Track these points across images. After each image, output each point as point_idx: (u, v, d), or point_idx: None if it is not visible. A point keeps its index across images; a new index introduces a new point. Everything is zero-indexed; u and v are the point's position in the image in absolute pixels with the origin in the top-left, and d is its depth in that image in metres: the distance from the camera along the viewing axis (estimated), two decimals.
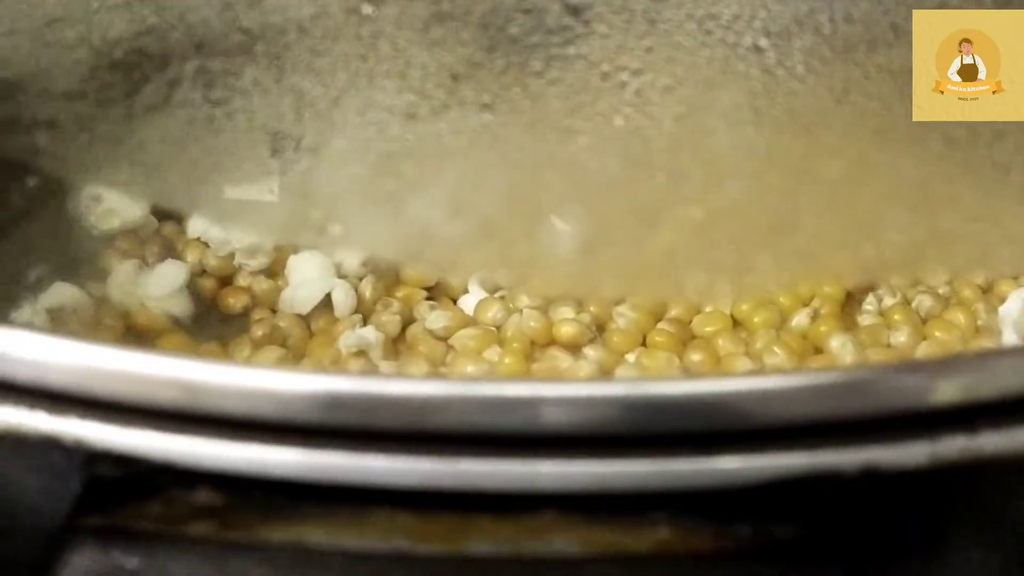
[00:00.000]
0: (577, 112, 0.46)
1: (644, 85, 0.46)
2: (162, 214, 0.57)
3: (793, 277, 0.54)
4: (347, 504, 0.37)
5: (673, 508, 0.37)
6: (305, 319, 0.55)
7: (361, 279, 0.56)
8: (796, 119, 0.47)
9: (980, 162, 0.50)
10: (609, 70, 0.47)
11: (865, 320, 0.55)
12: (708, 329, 0.54)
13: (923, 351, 0.53)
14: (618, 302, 0.54)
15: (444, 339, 0.55)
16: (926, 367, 0.38)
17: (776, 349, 0.53)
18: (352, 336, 0.53)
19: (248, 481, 0.38)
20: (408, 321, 0.56)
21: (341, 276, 0.56)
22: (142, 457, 0.38)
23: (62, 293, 0.53)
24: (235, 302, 0.56)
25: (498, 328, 0.55)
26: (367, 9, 0.48)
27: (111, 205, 0.55)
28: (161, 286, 0.54)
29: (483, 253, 0.47)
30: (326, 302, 0.55)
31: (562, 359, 0.54)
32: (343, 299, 0.55)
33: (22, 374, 0.39)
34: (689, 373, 0.52)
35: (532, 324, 0.54)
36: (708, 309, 0.55)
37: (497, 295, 0.55)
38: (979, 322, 0.54)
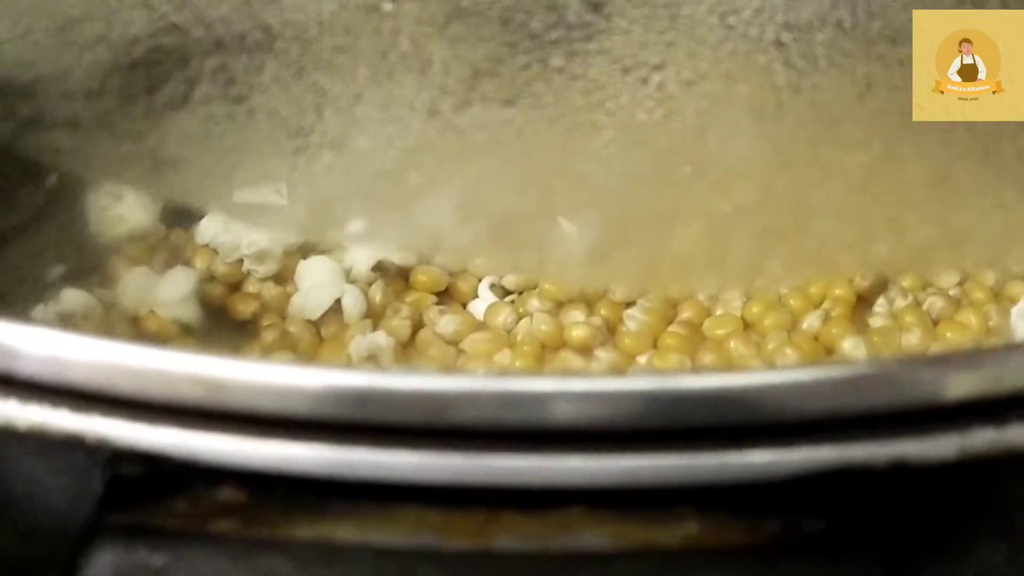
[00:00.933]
0: (599, 107, 0.46)
1: (666, 80, 0.46)
2: (171, 220, 0.57)
3: (806, 276, 0.54)
4: (373, 500, 0.37)
5: (702, 502, 0.37)
6: (315, 324, 0.55)
7: (371, 284, 0.56)
8: (819, 113, 0.47)
9: (990, 160, 0.50)
10: (631, 65, 0.46)
11: (876, 322, 0.55)
12: (719, 332, 0.54)
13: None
14: (630, 303, 0.54)
15: (454, 343, 0.55)
16: (955, 360, 0.38)
17: (788, 351, 0.52)
18: (363, 341, 0.53)
19: (274, 478, 0.38)
20: (418, 326, 0.55)
21: (350, 281, 0.56)
22: (166, 455, 0.38)
23: (73, 299, 0.53)
24: (244, 308, 0.56)
25: (508, 332, 0.55)
26: (387, 6, 0.48)
27: (120, 211, 0.55)
28: (170, 293, 0.54)
29: (505, 249, 0.47)
30: (336, 307, 0.55)
31: (573, 362, 0.54)
32: (353, 304, 0.55)
33: (44, 372, 0.39)
34: (716, 368, 0.51)
35: (543, 328, 0.54)
36: (719, 311, 0.55)
37: (508, 299, 0.55)
38: (991, 323, 0.54)
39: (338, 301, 0.55)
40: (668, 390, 0.37)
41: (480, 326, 0.55)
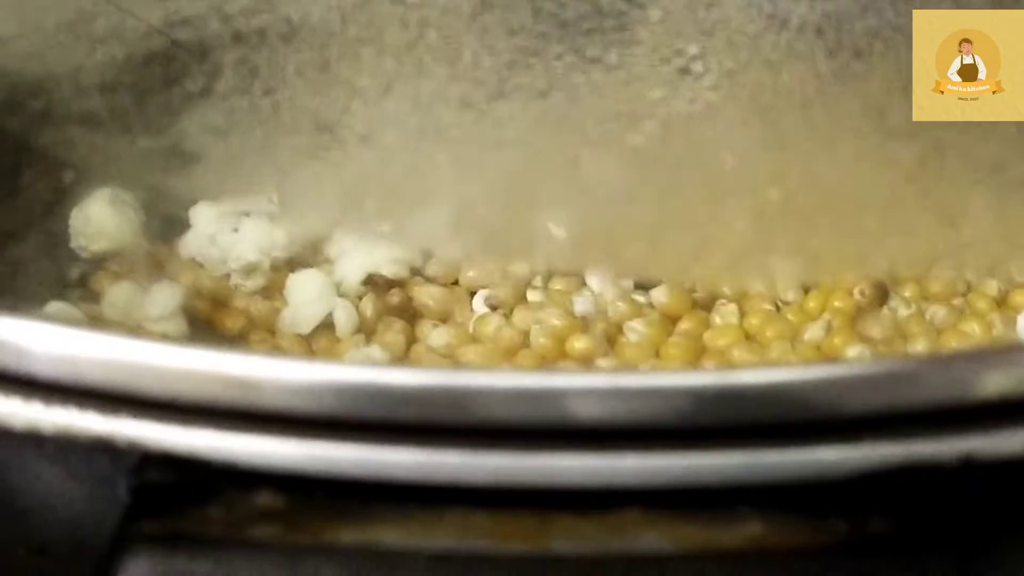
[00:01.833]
0: (638, 99, 0.45)
1: (704, 70, 0.45)
2: (153, 235, 0.56)
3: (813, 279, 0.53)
4: (420, 503, 0.36)
5: (764, 502, 0.36)
6: (306, 339, 0.54)
7: (361, 297, 0.55)
8: (863, 102, 0.46)
9: (990, 168, 0.49)
10: (668, 55, 0.45)
11: (878, 332, 0.54)
12: (721, 342, 0.53)
13: None
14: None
15: (449, 356, 0.53)
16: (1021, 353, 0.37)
17: (791, 360, 0.51)
18: (358, 355, 0.52)
19: (314, 481, 0.36)
20: (411, 339, 0.54)
21: (341, 295, 0.54)
22: (201, 458, 0.36)
23: (58, 312, 0.51)
24: (233, 324, 0.54)
25: (506, 344, 0.53)
26: None
27: (101, 227, 0.54)
28: (156, 308, 0.53)
29: (542, 241, 0.46)
30: (326, 322, 0.53)
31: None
32: (345, 319, 0.53)
33: (70, 373, 0.37)
34: (777, 361, 0.50)
35: (542, 340, 0.53)
36: (717, 321, 0.54)
37: (499, 312, 0.54)
38: (994, 332, 0.53)
39: (330, 315, 0.54)
40: (727, 385, 0.36)
41: (473, 339, 0.54)
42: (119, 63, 0.47)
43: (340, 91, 0.46)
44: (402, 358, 0.53)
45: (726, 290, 0.54)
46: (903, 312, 0.54)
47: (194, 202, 0.55)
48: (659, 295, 0.54)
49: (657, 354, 0.53)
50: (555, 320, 0.53)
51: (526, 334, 0.53)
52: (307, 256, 0.56)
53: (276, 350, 0.52)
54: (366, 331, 0.54)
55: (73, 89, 0.48)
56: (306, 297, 0.54)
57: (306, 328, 0.53)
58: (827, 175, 0.45)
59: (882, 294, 0.54)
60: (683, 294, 0.54)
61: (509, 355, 0.53)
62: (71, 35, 0.47)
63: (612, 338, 0.53)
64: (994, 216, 0.50)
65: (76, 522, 0.39)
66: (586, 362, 0.52)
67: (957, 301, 0.54)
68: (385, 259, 0.55)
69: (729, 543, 0.35)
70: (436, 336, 0.54)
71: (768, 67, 0.45)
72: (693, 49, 0.45)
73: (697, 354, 0.53)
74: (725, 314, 0.54)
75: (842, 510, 0.35)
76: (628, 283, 0.55)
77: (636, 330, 0.53)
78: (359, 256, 0.55)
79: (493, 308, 0.54)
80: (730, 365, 0.52)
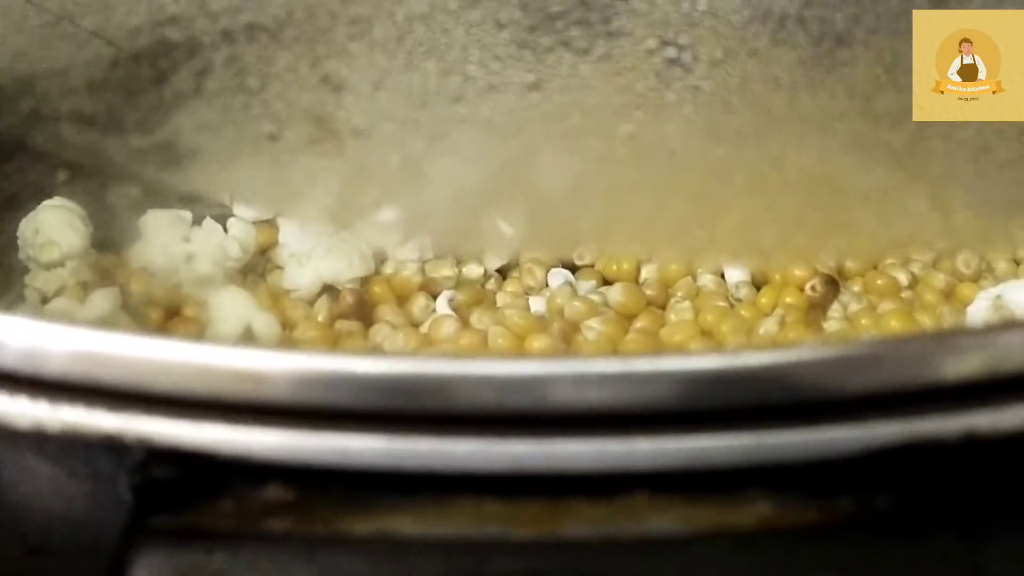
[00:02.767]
0: (627, 89, 0.45)
1: (691, 60, 0.46)
2: (102, 245, 0.56)
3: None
4: (432, 492, 0.36)
5: (773, 482, 0.36)
6: None
7: (313, 302, 0.55)
8: (849, 90, 0.46)
9: (933, 165, 0.50)
10: (654, 46, 0.46)
11: (832, 326, 0.54)
12: (677, 338, 0.54)
13: None
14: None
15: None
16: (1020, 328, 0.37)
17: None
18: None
19: (327, 472, 0.36)
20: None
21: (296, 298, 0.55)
22: (209, 453, 0.36)
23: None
24: (186, 333, 0.54)
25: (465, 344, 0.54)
26: None
27: (52, 236, 0.54)
28: (94, 312, 0.52)
29: (542, 230, 0.46)
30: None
31: None
32: (266, 330, 0.54)
33: (76, 371, 0.37)
34: (780, 343, 0.51)
35: (500, 341, 0.53)
36: (672, 319, 0.55)
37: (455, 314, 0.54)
38: (944, 324, 0.54)
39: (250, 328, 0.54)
40: (734, 368, 0.36)
41: (429, 342, 0.54)
42: (108, 61, 0.47)
43: (324, 86, 0.46)
44: None
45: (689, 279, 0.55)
46: (854, 307, 0.55)
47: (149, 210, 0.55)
48: (615, 294, 0.55)
49: (615, 352, 0.53)
50: (516, 319, 0.54)
51: (483, 335, 0.54)
52: (259, 264, 0.57)
53: None
54: (326, 338, 0.54)
55: (58, 88, 0.47)
56: (224, 313, 0.54)
57: (227, 342, 0.53)
58: (808, 158, 0.46)
59: (833, 289, 0.55)
60: (638, 292, 0.55)
61: (468, 356, 0.53)
62: (57, 34, 0.47)
63: (569, 337, 0.54)
64: (940, 212, 0.50)
65: (76, 521, 0.39)
66: None
67: (905, 294, 0.55)
68: (338, 266, 0.55)
69: (739, 524, 0.35)
70: (392, 341, 0.54)
71: (751, 56, 0.45)
72: (681, 39, 0.46)
73: (654, 351, 0.53)
74: (680, 311, 0.55)
75: (849, 488, 0.36)
76: (589, 284, 0.56)
77: (593, 328, 0.54)
78: (311, 263, 0.55)
79: (456, 309, 0.54)
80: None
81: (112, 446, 0.37)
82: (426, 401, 0.36)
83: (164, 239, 0.55)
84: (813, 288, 0.54)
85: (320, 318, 0.55)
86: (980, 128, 0.49)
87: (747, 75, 0.45)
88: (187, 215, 0.56)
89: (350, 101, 0.45)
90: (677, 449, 0.36)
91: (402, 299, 0.56)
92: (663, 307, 0.55)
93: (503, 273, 0.57)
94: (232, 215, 0.56)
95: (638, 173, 0.45)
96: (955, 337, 0.37)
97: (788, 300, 0.55)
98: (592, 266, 0.56)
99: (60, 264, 0.54)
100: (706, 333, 0.54)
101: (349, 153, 0.45)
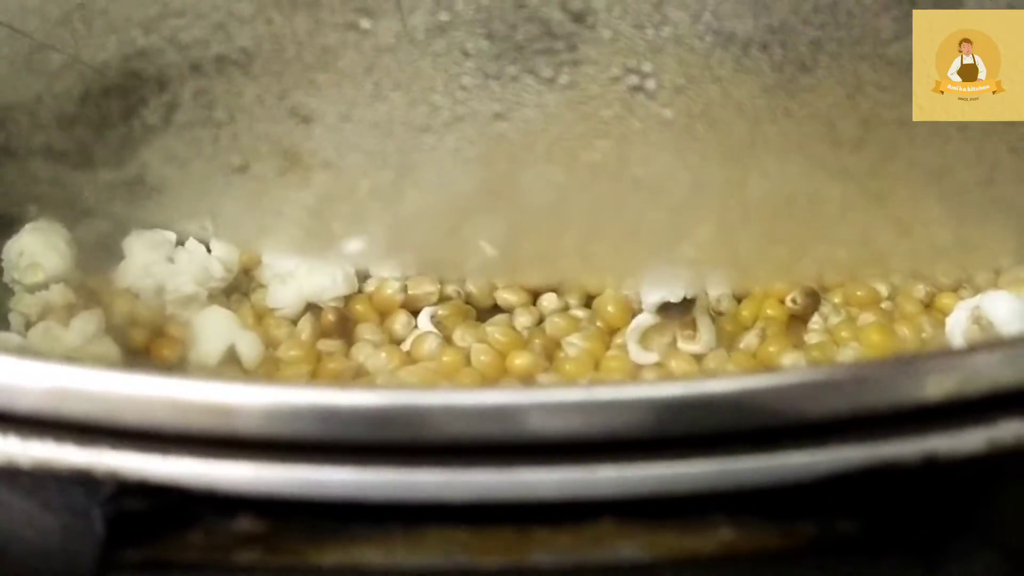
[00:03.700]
0: (591, 117, 0.45)
1: (655, 87, 0.46)
2: (88, 266, 0.55)
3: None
4: (400, 522, 0.36)
5: (735, 508, 0.36)
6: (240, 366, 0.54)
7: (296, 321, 0.56)
8: (798, 117, 0.47)
9: (914, 174, 0.51)
10: (619, 74, 0.46)
11: (812, 338, 0.55)
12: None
13: None
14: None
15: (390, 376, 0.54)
16: (980, 352, 0.38)
17: (729, 368, 0.53)
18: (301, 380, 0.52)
19: (294, 504, 0.36)
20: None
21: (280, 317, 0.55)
22: (179, 486, 0.37)
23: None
24: (170, 353, 0.54)
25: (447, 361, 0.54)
26: (365, 23, 0.47)
27: (35, 259, 0.54)
28: (78, 336, 0.53)
29: (505, 259, 0.47)
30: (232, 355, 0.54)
31: None
32: (248, 350, 0.54)
33: (46, 406, 0.37)
34: (742, 370, 0.51)
35: (483, 358, 0.54)
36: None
37: (438, 332, 0.55)
38: (923, 335, 0.54)
39: (233, 348, 0.54)
40: (695, 395, 0.36)
41: (411, 359, 0.54)
42: (79, 95, 0.47)
43: (292, 117, 0.46)
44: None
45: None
46: (834, 319, 0.55)
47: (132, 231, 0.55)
48: (598, 309, 0.55)
49: (597, 367, 0.54)
50: (498, 336, 0.54)
51: (465, 352, 0.54)
52: (242, 284, 0.57)
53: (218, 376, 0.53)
54: (309, 358, 0.54)
55: (28, 122, 0.48)
56: (207, 333, 0.54)
57: (211, 361, 0.54)
58: (772, 184, 0.46)
59: (814, 302, 0.55)
60: (623, 306, 0.55)
61: (451, 373, 0.53)
62: (26, 68, 0.47)
63: (551, 353, 0.54)
64: (926, 220, 0.51)
65: (52, 553, 0.39)
66: (528, 379, 0.53)
67: (885, 305, 0.56)
68: (321, 285, 0.55)
69: (702, 549, 0.36)
70: (375, 360, 0.54)
71: (715, 82, 0.46)
72: (645, 67, 0.46)
73: (637, 366, 0.54)
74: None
75: (810, 513, 0.36)
76: (568, 299, 0.56)
77: (574, 344, 0.54)
78: (294, 282, 0.55)
79: (438, 325, 0.55)
80: (669, 375, 0.53)
81: (83, 480, 0.37)
82: (393, 432, 0.36)
83: (147, 260, 0.55)
84: (794, 300, 0.55)
85: (303, 337, 0.55)
86: (952, 145, 0.49)
87: (711, 101, 0.45)
88: (170, 236, 0.56)
89: (318, 132, 0.45)
90: (641, 476, 0.36)
91: (384, 317, 0.56)
92: None
93: None
94: None
95: (604, 200, 0.46)
96: (915, 362, 0.37)
97: (769, 312, 0.55)
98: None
99: (44, 286, 0.54)
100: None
101: (317, 184, 0.45)
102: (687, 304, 0.52)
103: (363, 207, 0.45)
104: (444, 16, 0.47)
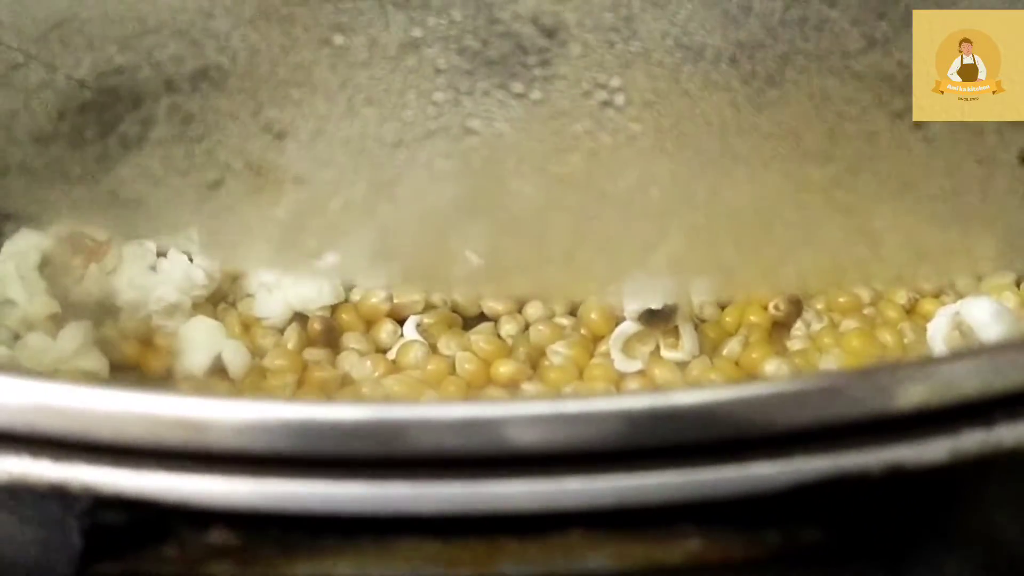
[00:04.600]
0: (563, 131, 0.46)
1: (625, 102, 0.46)
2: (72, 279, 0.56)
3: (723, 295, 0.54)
4: (371, 535, 0.37)
5: (701, 518, 0.37)
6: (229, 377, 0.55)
7: (283, 330, 0.56)
8: (777, 126, 0.47)
9: (891, 181, 0.51)
10: (589, 88, 0.47)
11: (795, 345, 0.55)
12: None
13: None
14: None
15: (375, 385, 0.54)
16: (944, 363, 0.39)
17: (712, 376, 0.53)
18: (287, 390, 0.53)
19: (266, 517, 0.37)
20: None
21: (266, 327, 0.56)
22: (153, 500, 0.37)
23: None
24: (157, 363, 0.55)
25: (431, 372, 0.55)
26: (338, 39, 0.47)
27: (21, 271, 0.54)
28: (65, 347, 0.53)
29: (487, 270, 0.47)
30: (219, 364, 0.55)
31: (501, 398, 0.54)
32: (234, 359, 0.54)
33: (21, 422, 0.38)
34: (707, 382, 0.52)
35: (467, 367, 0.54)
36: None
37: (423, 340, 0.55)
38: (906, 340, 0.55)
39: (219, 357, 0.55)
40: (661, 407, 0.37)
41: (396, 367, 0.55)
42: (56, 111, 0.47)
43: (267, 133, 0.47)
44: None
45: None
46: (816, 326, 0.56)
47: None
48: (582, 317, 0.56)
49: (581, 375, 0.54)
50: (483, 344, 0.54)
51: (450, 361, 0.55)
52: (228, 292, 0.57)
53: (201, 388, 0.53)
54: (294, 367, 0.55)
55: (4, 137, 0.48)
56: (193, 342, 0.55)
57: (198, 371, 0.54)
58: (742, 196, 0.47)
59: (796, 308, 0.56)
60: (607, 314, 0.55)
61: (437, 382, 0.54)
62: (3, 85, 0.48)
63: (535, 362, 0.55)
64: (902, 229, 0.51)
65: (31, 566, 0.40)
66: (512, 387, 0.54)
67: (868, 311, 0.56)
68: (307, 294, 0.56)
69: (670, 559, 0.36)
70: (360, 368, 0.55)
71: (686, 96, 0.46)
72: (615, 82, 0.47)
73: (620, 374, 0.54)
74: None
75: (776, 523, 0.37)
76: (554, 308, 0.57)
77: (559, 352, 0.54)
78: (280, 291, 0.56)
79: (424, 334, 0.55)
80: (653, 383, 0.53)
81: (59, 495, 0.38)
82: (363, 447, 0.37)
83: (131, 271, 0.56)
84: (776, 307, 0.55)
85: (290, 346, 0.55)
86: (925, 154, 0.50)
87: (681, 115, 0.46)
88: (152, 246, 0.56)
89: (292, 148, 0.46)
90: (609, 488, 0.37)
91: (370, 325, 0.57)
92: None
93: None
94: None
95: (577, 211, 0.46)
96: (878, 373, 0.38)
97: (753, 319, 0.56)
98: None
99: (29, 299, 0.54)
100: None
101: (291, 199, 0.46)
102: (669, 312, 0.53)
103: (338, 221, 0.45)
104: (417, 32, 0.48)
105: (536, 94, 0.46)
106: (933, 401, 0.37)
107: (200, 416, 0.37)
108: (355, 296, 0.57)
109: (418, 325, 0.55)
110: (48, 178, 0.47)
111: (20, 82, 0.48)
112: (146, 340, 0.56)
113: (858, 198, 0.48)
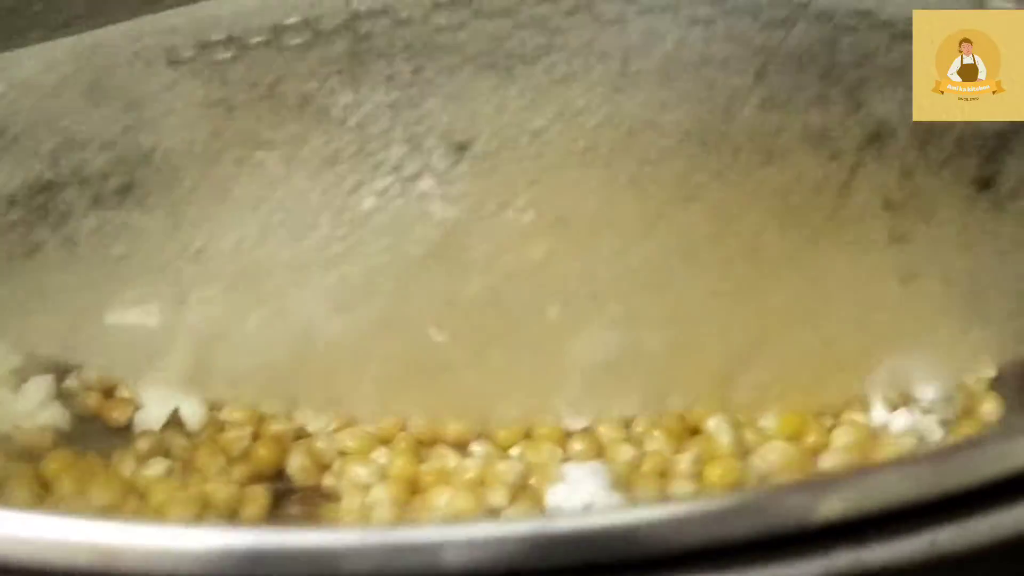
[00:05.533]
0: (475, 248, 0.47)
1: (534, 220, 0.48)
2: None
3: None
4: None
5: None
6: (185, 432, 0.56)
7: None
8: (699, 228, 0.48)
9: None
10: (494, 208, 0.48)
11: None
12: None
13: None
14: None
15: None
16: (813, 485, 0.40)
17: (656, 433, 0.54)
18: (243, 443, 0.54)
19: None
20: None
21: None
22: None
23: None
24: (120, 416, 0.56)
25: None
26: (260, 155, 0.49)
27: None
28: (29, 401, 0.54)
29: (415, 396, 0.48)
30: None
31: (450, 458, 0.54)
32: (192, 415, 0.55)
33: None
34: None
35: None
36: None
37: None
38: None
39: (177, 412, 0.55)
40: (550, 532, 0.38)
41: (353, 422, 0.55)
42: None
43: (182, 252, 0.48)
44: None
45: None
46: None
47: None
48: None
49: (528, 434, 0.55)
50: None
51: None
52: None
53: (159, 442, 0.54)
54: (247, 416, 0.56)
55: None
56: (151, 396, 0.56)
57: (156, 425, 0.55)
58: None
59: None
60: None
61: (387, 440, 0.55)
62: None
63: None
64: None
65: None
66: (461, 446, 0.54)
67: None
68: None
69: None
70: (317, 423, 0.55)
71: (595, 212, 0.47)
72: (521, 201, 0.48)
73: (567, 432, 0.55)
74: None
75: None
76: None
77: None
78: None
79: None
80: (597, 441, 0.54)
81: None
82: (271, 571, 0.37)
83: None
84: None
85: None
86: None
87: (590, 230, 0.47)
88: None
89: (209, 267, 0.47)
90: None
91: None
92: None
93: None
94: None
95: (482, 336, 0.47)
96: (756, 494, 0.39)
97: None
98: None
99: None
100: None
101: (202, 319, 0.47)
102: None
103: (247, 341, 0.47)
104: (336, 144, 0.49)
105: (451, 213, 0.47)
106: (870, 506, 0.38)
107: (109, 543, 0.38)
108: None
109: None
110: None
111: None
112: (108, 392, 0.57)
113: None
